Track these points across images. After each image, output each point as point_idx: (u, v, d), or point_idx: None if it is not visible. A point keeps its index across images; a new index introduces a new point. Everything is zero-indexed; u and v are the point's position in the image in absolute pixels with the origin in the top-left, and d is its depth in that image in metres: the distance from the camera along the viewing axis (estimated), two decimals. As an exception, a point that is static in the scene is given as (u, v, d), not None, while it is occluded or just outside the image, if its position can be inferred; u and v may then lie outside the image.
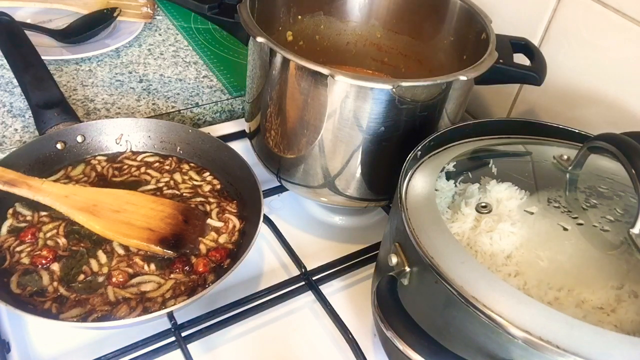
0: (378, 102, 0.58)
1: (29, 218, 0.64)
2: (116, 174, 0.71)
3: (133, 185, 0.70)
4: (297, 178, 0.69)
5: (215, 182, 0.72)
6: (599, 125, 0.72)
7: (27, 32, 0.79)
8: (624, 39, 0.67)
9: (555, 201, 0.51)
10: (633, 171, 0.46)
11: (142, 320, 0.54)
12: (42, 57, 0.76)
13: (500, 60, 0.64)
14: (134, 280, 0.59)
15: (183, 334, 0.57)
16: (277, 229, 0.70)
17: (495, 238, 0.48)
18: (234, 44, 1.06)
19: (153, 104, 0.89)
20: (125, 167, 0.72)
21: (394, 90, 0.57)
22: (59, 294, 0.57)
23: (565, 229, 0.48)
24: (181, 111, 0.89)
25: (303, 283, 0.65)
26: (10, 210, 0.64)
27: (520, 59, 0.67)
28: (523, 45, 0.69)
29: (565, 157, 0.56)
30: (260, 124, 0.69)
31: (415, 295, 0.48)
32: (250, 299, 0.62)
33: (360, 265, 0.68)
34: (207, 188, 0.71)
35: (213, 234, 0.65)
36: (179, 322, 0.58)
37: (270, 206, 0.76)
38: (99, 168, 0.71)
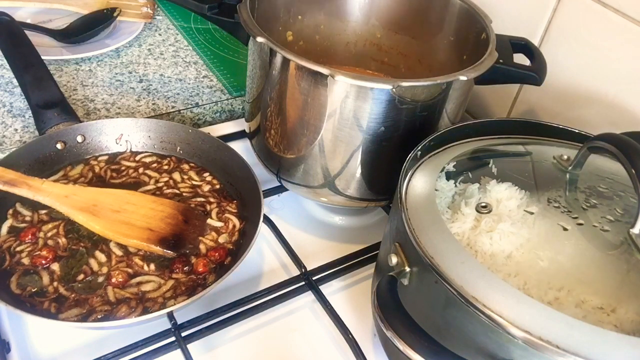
0: (378, 102, 0.58)
1: (28, 218, 0.64)
2: (114, 175, 0.71)
3: (132, 186, 0.70)
4: (297, 178, 0.69)
5: (214, 182, 0.72)
6: (599, 125, 0.72)
7: (27, 32, 0.79)
8: (624, 39, 0.67)
9: (555, 201, 0.51)
10: (633, 171, 0.46)
11: (142, 320, 0.54)
12: (42, 57, 0.76)
13: (500, 60, 0.64)
14: (134, 281, 0.59)
15: (183, 334, 0.57)
16: (277, 229, 0.70)
17: (495, 238, 0.48)
18: (234, 44, 1.06)
19: (153, 104, 0.89)
20: (123, 168, 0.72)
21: (394, 90, 0.57)
22: (59, 294, 0.57)
23: (565, 229, 0.48)
24: (181, 111, 0.89)
25: (303, 283, 0.65)
26: (10, 211, 0.64)
27: (520, 59, 0.67)
28: (523, 45, 0.69)
29: (565, 157, 0.56)
30: (260, 124, 0.69)
31: (415, 295, 0.48)
32: (250, 299, 0.62)
33: (360, 265, 0.68)
34: (206, 188, 0.71)
35: (213, 234, 0.65)
36: (179, 322, 0.58)
37: (270, 206, 0.76)
38: (97, 169, 0.71)
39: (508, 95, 0.85)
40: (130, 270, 0.60)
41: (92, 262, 0.60)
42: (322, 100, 0.60)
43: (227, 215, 0.68)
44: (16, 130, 0.80)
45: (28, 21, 1.00)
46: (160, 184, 0.71)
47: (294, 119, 0.64)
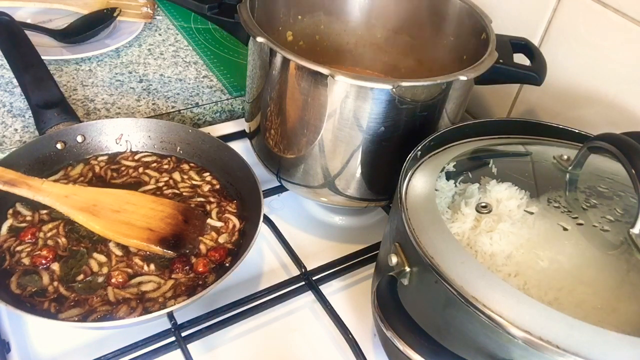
0: (378, 102, 0.58)
1: (29, 218, 0.63)
2: (114, 175, 0.71)
3: (133, 186, 0.70)
4: (297, 178, 0.69)
5: (214, 182, 0.72)
6: (599, 125, 0.72)
7: (27, 32, 0.79)
8: (624, 39, 0.67)
9: (555, 201, 0.51)
10: (633, 171, 0.46)
11: (142, 320, 0.54)
12: (42, 57, 0.76)
13: (500, 60, 0.64)
14: (134, 281, 0.59)
15: (183, 334, 0.57)
16: (277, 229, 0.70)
17: (495, 238, 0.48)
18: (234, 44, 1.06)
19: (153, 104, 0.89)
20: (123, 168, 0.72)
21: (394, 90, 0.57)
22: (59, 294, 0.57)
23: (565, 229, 0.48)
24: (181, 111, 0.89)
25: (303, 283, 0.65)
26: (10, 210, 0.64)
27: (521, 59, 0.67)
28: (523, 45, 0.69)
29: (565, 157, 0.56)
30: (260, 124, 0.69)
31: (415, 295, 0.48)
32: (250, 299, 0.62)
33: (360, 265, 0.68)
34: (206, 188, 0.71)
35: (213, 234, 0.65)
36: (179, 322, 0.58)
37: (270, 206, 0.76)
38: (97, 169, 0.71)
39: (508, 95, 0.85)
40: (130, 271, 0.60)
41: (92, 262, 0.60)
42: (322, 100, 0.60)
43: (227, 215, 0.68)
44: (16, 130, 0.80)
45: (28, 21, 1.00)
46: (160, 184, 0.71)
47: (294, 119, 0.64)
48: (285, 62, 0.60)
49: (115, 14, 1.00)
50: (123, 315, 0.56)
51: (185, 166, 0.74)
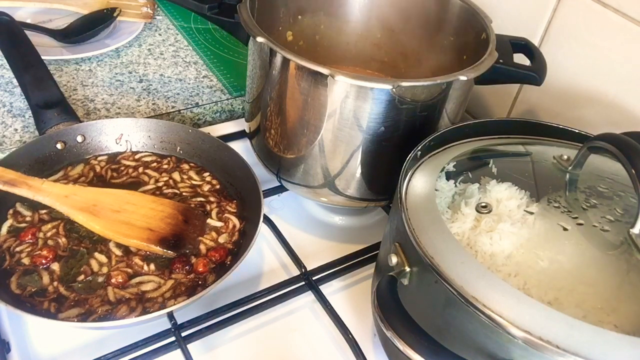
0: (378, 102, 0.58)
1: (29, 218, 0.63)
2: (114, 175, 0.71)
3: (132, 186, 0.70)
4: (297, 178, 0.69)
5: (214, 182, 0.72)
6: (599, 125, 0.72)
7: (27, 32, 0.79)
8: (624, 39, 0.67)
9: (555, 201, 0.51)
10: (633, 171, 0.46)
11: (142, 320, 0.54)
12: (42, 57, 0.76)
13: (500, 60, 0.64)
14: (134, 281, 0.59)
15: (183, 334, 0.57)
16: (277, 229, 0.70)
17: (495, 238, 0.48)
18: (234, 44, 1.06)
19: (153, 104, 0.89)
20: (123, 167, 0.72)
21: (394, 90, 0.57)
22: (59, 293, 0.57)
23: (565, 229, 0.48)
24: (181, 111, 0.89)
25: (303, 283, 0.65)
26: (10, 211, 0.64)
27: (521, 59, 0.67)
28: (523, 45, 0.69)
29: (565, 157, 0.56)
30: (260, 124, 0.69)
31: (415, 295, 0.48)
32: (250, 299, 0.62)
33: (360, 265, 0.68)
34: (206, 188, 0.71)
35: (213, 234, 0.65)
36: (179, 322, 0.58)
37: (270, 206, 0.76)
38: (97, 168, 0.71)
39: (508, 95, 0.85)
40: (130, 271, 0.60)
41: (92, 262, 0.60)
42: (322, 100, 0.60)
43: (227, 215, 0.68)
44: (16, 130, 0.80)
45: (28, 21, 1.00)
46: (160, 184, 0.71)
47: (294, 119, 0.64)
48: (285, 62, 0.60)
49: (115, 14, 1.00)
50: (123, 315, 0.56)
51: (185, 166, 0.74)
